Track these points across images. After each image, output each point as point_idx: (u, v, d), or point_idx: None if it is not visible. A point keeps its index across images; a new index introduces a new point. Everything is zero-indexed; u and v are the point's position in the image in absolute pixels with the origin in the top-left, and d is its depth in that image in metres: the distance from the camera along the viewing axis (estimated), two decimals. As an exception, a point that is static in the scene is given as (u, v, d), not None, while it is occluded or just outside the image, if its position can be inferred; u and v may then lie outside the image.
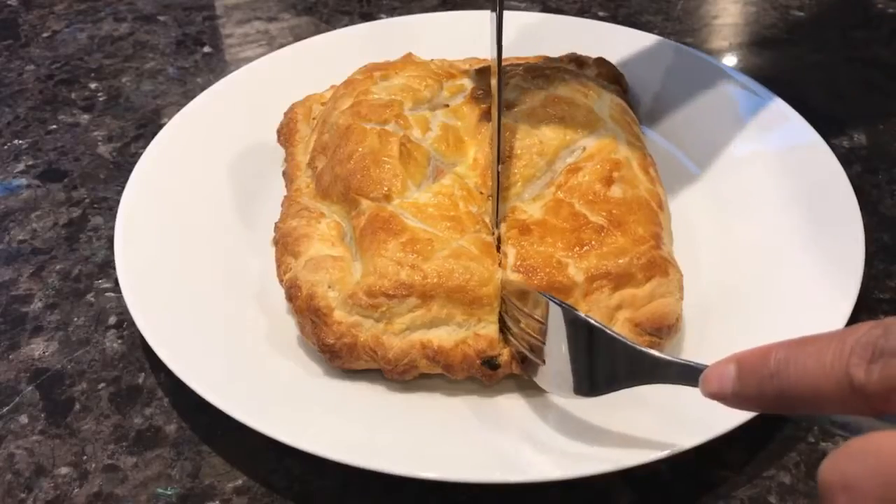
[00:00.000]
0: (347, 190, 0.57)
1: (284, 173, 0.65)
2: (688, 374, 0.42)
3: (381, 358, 0.51)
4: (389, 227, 0.54)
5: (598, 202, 0.56)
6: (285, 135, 0.67)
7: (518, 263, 0.53)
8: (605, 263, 0.53)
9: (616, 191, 0.57)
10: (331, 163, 0.60)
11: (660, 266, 0.54)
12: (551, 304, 0.48)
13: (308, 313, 0.52)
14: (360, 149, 0.59)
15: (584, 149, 0.59)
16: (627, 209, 0.56)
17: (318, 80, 0.71)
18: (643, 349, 0.45)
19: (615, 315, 0.53)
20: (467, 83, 0.65)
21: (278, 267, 0.57)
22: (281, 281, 0.56)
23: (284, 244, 0.57)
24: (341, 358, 0.52)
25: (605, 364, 0.46)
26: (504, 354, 0.51)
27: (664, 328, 0.53)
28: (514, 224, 0.56)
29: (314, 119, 0.67)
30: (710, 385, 0.37)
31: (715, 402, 0.37)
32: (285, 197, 0.62)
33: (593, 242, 0.54)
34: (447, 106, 0.64)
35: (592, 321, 0.46)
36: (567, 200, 0.56)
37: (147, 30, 0.92)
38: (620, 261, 0.53)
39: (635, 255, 0.54)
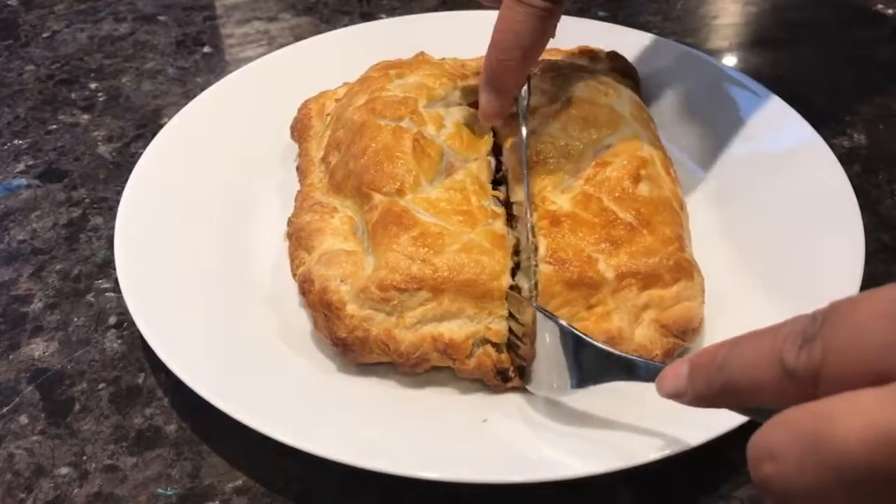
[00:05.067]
0: (360, 184, 0.58)
1: (298, 168, 0.65)
2: (641, 372, 0.45)
3: (393, 351, 0.51)
4: (401, 221, 0.54)
5: (627, 199, 0.56)
6: (299, 130, 0.67)
7: (549, 254, 0.53)
8: (634, 262, 0.53)
9: (643, 189, 0.57)
10: (344, 158, 0.60)
11: (686, 269, 0.54)
12: (535, 310, 0.49)
13: (321, 307, 0.53)
14: (373, 144, 0.59)
15: (610, 146, 0.59)
16: (654, 208, 0.56)
17: (318, 80, 0.71)
18: (608, 348, 0.47)
19: (642, 315, 0.53)
20: None
21: (292, 261, 0.57)
22: (294, 275, 0.56)
23: (298, 238, 0.57)
24: (354, 351, 0.52)
25: (578, 362, 0.48)
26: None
27: (689, 331, 0.53)
28: (544, 215, 0.55)
29: (328, 115, 0.67)
30: (666, 385, 0.38)
31: None
32: (299, 191, 0.62)
33: (623, 240, 0.54)
34: (461, 104, 0.64)
35: (564, 324, 0.48)
36: (596, 195, 0.56)
37: (147, 30, 0.92)
38: (650, 260, 0.53)
39: (664, 255, 0.54)
